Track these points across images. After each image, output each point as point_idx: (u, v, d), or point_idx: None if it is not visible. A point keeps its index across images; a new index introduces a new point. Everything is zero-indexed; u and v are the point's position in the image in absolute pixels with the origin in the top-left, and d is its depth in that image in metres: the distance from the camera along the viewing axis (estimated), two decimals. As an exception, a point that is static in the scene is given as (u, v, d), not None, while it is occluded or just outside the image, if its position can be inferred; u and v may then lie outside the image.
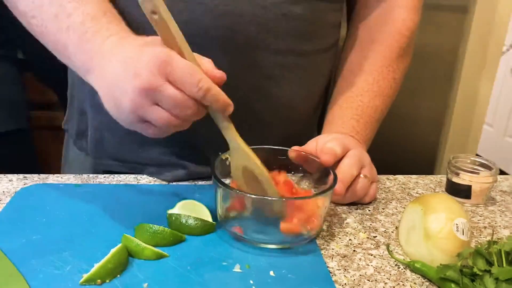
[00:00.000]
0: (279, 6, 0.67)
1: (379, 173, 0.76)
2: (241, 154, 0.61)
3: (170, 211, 0.62)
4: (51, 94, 1.59)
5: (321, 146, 0.68)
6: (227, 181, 0.65)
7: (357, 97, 0.77)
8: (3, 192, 0.67)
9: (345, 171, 0.65)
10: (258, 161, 0.61)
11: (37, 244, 0.55)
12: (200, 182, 0.74)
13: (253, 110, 0.72)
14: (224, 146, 0.62)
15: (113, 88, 0.54)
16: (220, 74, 0.55)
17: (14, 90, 1.03)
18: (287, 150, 0.68)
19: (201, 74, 0.52)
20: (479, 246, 0.53)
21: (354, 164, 0.67)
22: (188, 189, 0.71)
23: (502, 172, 2.66)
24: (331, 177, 0.61)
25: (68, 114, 0.83)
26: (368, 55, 0.80)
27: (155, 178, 0.74)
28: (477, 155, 0.80)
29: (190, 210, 0.62)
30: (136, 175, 0.75)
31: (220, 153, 0.63)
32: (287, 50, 0.72)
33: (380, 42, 0.80)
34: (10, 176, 0.71)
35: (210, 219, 0.62)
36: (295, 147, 0.68)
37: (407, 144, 1.48)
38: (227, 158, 0.64)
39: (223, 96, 0.55)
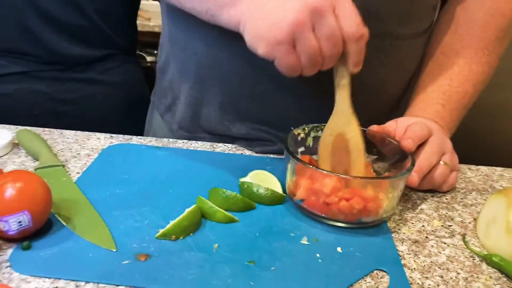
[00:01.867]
0: None
1: (461, 162, 0.72)
2: (344, 118, 0.60)
3: (242, 179, 0.63)
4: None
5: (402, 129, 0.65)
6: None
7: (445, 81, 0.73)
8: (92, 148, 0.72)
9: (423, 159, 0.63)
10: (359, 132, 0.60)
11: (119, 197, 0.59)
12: (272, 155, 0.74)
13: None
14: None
15: (275, 6, 0.55)
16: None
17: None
18: (364, 130, 0.66)
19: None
20: None
21: (434, 152, 0.64)
22: (261, 161, 0.72)
23: None
24: (409, 162, 0.59)
25: (156, 87, 0.87)
26: (463, 36, 0.75)
27: (230, 148, 0.76)
28: None
29: (262, 180, 0.64)
30: (213, 143, 0.77)
31: (292, 128, 0.64)
32: (385, 33, 0.69)
33: (476, 22, 0.74)
34: (98, 134, 0.77)
35: (280, 190, 0.62)
36: (374, 126, 0.66)
37: (495, 136, 1.39)
38: (299, 134, 0.64)
39: (363, 52, 0.56)
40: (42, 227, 0.51)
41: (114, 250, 0.50)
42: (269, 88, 0.70)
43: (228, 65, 0.71)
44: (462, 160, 0.76)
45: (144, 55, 1.90)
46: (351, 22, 0.54)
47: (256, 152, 0.75)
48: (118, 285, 0.46)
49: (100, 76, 1.01)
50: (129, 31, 1.09)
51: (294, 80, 0.70)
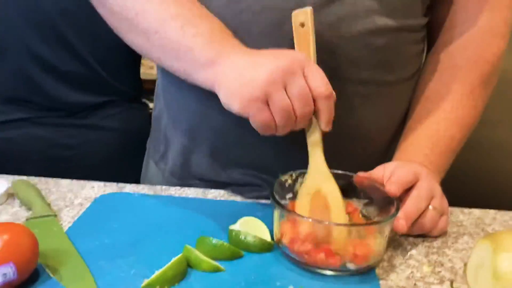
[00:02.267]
0: (363, 37, 0.68)
1: (455, 205, 0.72)
2: (320, 175, 0.62)
3: (231, 227, 0.64)
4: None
5: (388, 174, 0.66)
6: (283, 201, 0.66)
7: (433, 125, 0.74)
8: (85, 197, 0.73)
9: (410, 204, 0.63)
10: (337, 187, 0.61)
11: (108, 247, 0.60)
12: (263, 201, 0.75)
13: (328, 139, 0.72)
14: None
15: (248, 67, 0.58)
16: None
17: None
18: (352, 175, 0.67)
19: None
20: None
21: (422, 196, 0.64)
22: (252, 207, 0.73)
23: None
24: (394, 208, 0.59)
25: (151, 134, 0.89)
26: (448, 81, 0.76)
27: (222, 194, 0.77)
28: None
29: (251, 227, 0.64)
30: (204, 189, 0.78)
31: (280, 174, 0.65)
32: (369, 80, 0.71)
33: (461, 68, 0.76)
34: (93, 183, 0.78)
35: (269, 238, 0.63)
36: (361, 173, 0.67)
37: (490, 177, 1.38)
38: (286, 180, 0.65)
39: (332, 111, 0.59)
40: (29, 278, 0.52)
41: (98, 302, 0.50)
42: (255, 139, 0.72)
43: (217, 118, 0.73)
44: (456, 203, 0.76)
45: (148, 102, 1.94)
46: (319, 82, 0.57)
47: (248, 198, 0.76)
48: (98, 339, 0.46)
49: (101, 122, 1.03)
50: (131, 78, 1.12)
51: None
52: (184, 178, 0.80)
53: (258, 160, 0.75)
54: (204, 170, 0.78)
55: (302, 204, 0.63)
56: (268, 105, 0.57)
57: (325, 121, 0.60)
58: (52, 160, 0.99)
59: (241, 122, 0.72)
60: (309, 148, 0.62)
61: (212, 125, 0.74)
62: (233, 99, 0.59)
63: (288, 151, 0.73)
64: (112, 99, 1.05)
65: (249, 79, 0.57)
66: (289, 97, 0.57)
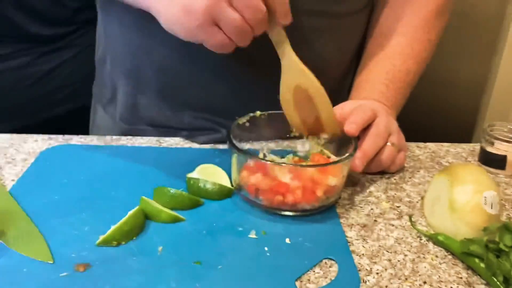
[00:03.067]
0: None
1: (410, 139, 0.73)
2: (294, 71, 0.60)
3: (189, 175, 0.62)
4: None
5: (346, 113, 0.65)
6: (246, 145, 0.64)
7: (388, 60, 0.73)
8: (29, 152, 0.68)
9: (368, 143, 0.62)
10: (314, 77, 0.60)
11: (58, 204, 0.56)
12: (222, 146, 0.73)
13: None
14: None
15: None
16: None
17: None
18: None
19: None
20: (509, 220, 0.50)
21: (380, 134, 0.64)
22: (209, 153, 0.70)
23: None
24: (352, 147, 0.59)
25: (96, 78, 0.84)
26: (401, 15, 0.75)
27: (177, 141, 0.74)
28: (516, 122, 0.75)
29: (209, 174, 0.62)
30: (159, 137, 0.75)
31: (237, 118, 0.62)
32: (321, 11, 0.68)
33: (414, 1, 0.74)
34: (36, 136, 0.73)
35: (228, 184, 0.61)
36: None
37: (444, 110, 1.42)
38: (244, 123, 0.63)
39: (288, 4, 0.54)
40: (-28, 244, 0.48)
41: (51, 263, 0.47)
42: (206, 75, 0.69)
43: (161, 52, 0.68)
44: (412, 138, 0.77)
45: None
46: None
47: (201, 143, 0.73)
48: (54, 301, 0.43)
49: (75, 42, 1.05)
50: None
51: (238, 68, 0.68)
52: (133, 123, 0.76)
53: (211, 101, 0.72)
54: (153, 114, 0.75)
55: (285, 101, 0.62)
56: (217, 25, 0.53)
57: (283, 14, 0.55)
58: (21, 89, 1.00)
59: (188, 57, 0.68)
60: (277, 49, 0.59)
61: (157, 62, 0.70)
62: (176, 27, 0.54)
63: (243, 90, 0.70)
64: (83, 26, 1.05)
65: (189, 8, 0.52)
66: (237, 9, 0.52)
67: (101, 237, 0.50)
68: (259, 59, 0.63)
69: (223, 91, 0.70)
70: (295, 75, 0.60)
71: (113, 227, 0.51)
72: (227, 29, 0.53)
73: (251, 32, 0.54)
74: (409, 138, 0.75)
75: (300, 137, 0.66)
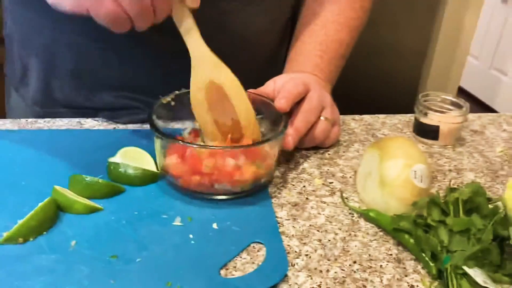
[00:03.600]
0: None
1: (350, 112, 0.71)
2: (207, 64, 0.53)
3: (110, 159, 0.57)
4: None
5: (279, 88, 0.62)
6: (175, 125, 0.60)
7: (321, 30, 0.70)
8: None
9: (300, 119, 0.60)
10: (229, 70, 0.53)
11: (-43, 199, 0.51)
12: (147, 127, 0.68)
13: (213, 46, 0.66)
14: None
15: None
16: None
17: None
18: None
19: None
20: (439, 193, 0.49)
21: (312, 109, 0.61)
22: (135, 135, 0.66)
23: (486, 106, 2.63)
24: (282, 123, 0.56)
25: (6, 57, 0.76)
26: None
27: (100, 123, 0.68)
28: (459, 88, 0.74)
29: (132, 158, 0.57)
30: (80, 118, 0.69)
31: (160, 96, 0.58)
32: None
33: None
34: None
35: (154, 167, 0.57)
36: (251, 90, 0.62)
37: (385, 79, 1.42)
38: (168, 102, 0.58)
39: None
40: None
41: None
42: (123, 52, 0.63)
43: (69, 30, 0.63)
44: (352, 110, 0.75)
45: None
46: None
47: (124, 123, 0.68)
48: None
49: None
50: None
51: (158, 41, 0.63)
52: (48, 105, 0.70)
53: (130, 79, 0.67)
54: (68, 95, 0.69)
55: (197, 103, 0.56)
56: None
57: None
58: None
59: (97, 34, 0.62)
60: (185, 37, 0.53)
61: (67, 37, 0.64)
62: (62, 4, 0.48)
63: (162, 66, 0.65)
64: None
65: None
66: None
67: (5, 234, 0.45)
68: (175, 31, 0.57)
69: (139, 69, 0.66)
70: (207, 68, 0.53)
71: (19, 222, 0.46)
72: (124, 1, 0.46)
73: (152, 12, 0.48)
74: (346, 111, 0.74)
75: None
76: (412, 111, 0.72)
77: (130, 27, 0.50)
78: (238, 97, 0.55)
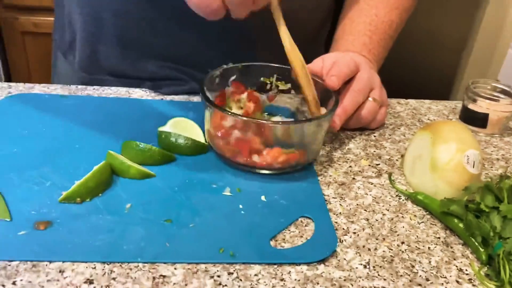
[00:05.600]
0: None
1: (391, 96, 0.70)
2: (295, 53, 0.57)
3: (161, 129, 0.58)
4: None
5: (328, 66, 0.61)
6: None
7: (371, 10, 0.69)
8: (-15, 101, 0.63)
9: (349, 99, 0.59)
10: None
11: (17, 157, 0.52)
12: (196, 99, 0.69)
13: (259, 21, 0.65)
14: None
15: None
16: None
17: None
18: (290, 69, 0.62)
19: None
20: (489, 179, 0.49)
21: (361, 89, 0.61)
22: (183, 106, 0.67)
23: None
24: (332, 102, 0.56)
25: (55, 23, 0.77)
26: None
27: (148, 93, 0.69)
28: (497, 80, 0.73)
29: (182, 128, 0.58)
30: (128, 88, 0.70)
31: (210, 70, 0.58)
32: None
33: None
34: (-7, 84, 0.67)
35: (202, 139, 0.58)
36: None
37: (424, 66, 1.40)
38: (216, 76, 0.59)
39: None
40: None
41: (8, 220, 0.44)
42: (172, 23, 0.64)
43: None
44: (392, 94, 0.74)
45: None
46: None
47: (167, 94, 0.69)
48: (10, 261, 0.40)
49: None
50: None
51: (198, 16, 0.63)
52: (93, 72, 0.71)
53: (176, 50, 0.68)
54: (114, 63, 0.70)
55: (304, 76, 0.58)
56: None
57: None
58: None
59: (150, 2, 0.63)
60: (279, 27, 0.56)
61: (117, 5, 0.65)
62: None
63: (209, 40, 0.65)
64: None
65: None
66: None
67: (64, 193, 0.47)
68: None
69: (188, 40, 0.66)
70: (297, 56, 0.57)
71: (77, 183, 0.48)
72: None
73: (252, 4, 0.49)
74: (390, 94, 0.73)
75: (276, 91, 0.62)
76: (449, 98, 0.71)
77: (223, 16, 0.51)
78: (306, 77, 0.57)
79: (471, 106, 0.68)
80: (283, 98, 0.63)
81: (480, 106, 0.67)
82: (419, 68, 1.38)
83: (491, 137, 0.68)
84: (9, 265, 0.40)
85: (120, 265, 0.41)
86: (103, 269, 0.40)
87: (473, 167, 0.50)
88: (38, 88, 0.67)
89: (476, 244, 0.46)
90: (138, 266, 0.41)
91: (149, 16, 0.65)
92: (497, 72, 1.58)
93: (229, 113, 0.52)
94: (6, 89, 0.66)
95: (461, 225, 0.47)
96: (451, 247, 0.47)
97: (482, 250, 0.45)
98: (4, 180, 0.49)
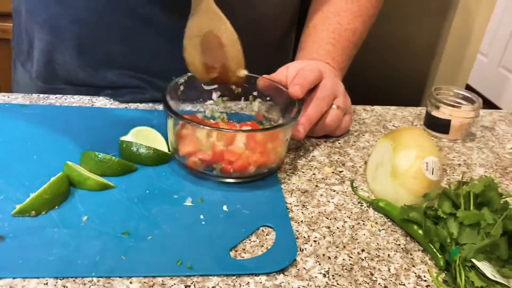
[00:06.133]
0: None
1: (360, 102, 0.71)
2: (209, 16, 0.55)
3: (122, 138, 0.57)
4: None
5: (292, 74, 0.62)
6: (186, 107, 0.60)
7: (334, 18, 0.70)
8: None
9: (313, 107, 0.60)
10: (229, 24, 0.55)
11: (-30, 169, 0.51)
12: (160, 107, 0.68)
13: None
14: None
15: None
16: None
17: None
18: (256, 77, 0.62)
19: None
20: (448, 186, 0.49)
21: (325, 97, 0.61)
22: (146, 115, 0.66)
23: (492, 104, 2.62)
24: (295, 110, 0.56)
25: (13, 30, 0.76)
26: None
27: (112, 101, 0.68)
28: (467, 86, 0.74)
29: (145, 137, 0.58)
30: (91, 97, 0.69)
31: (174, 77, 0.57)
32: None
33: None
34: (-50, 93, 0.65)
35: (165, 148, 0.57)
36: (265, 76, 0.62)
37: (394, 73, 1.42)
38: (181, 84, 0.58)
39: None
40: None
41: (-43, 236, 0.43)
42: (133, 28, 0.63)
43: (77, 2, 0.62)
44: (361, 101, 0.75)
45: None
46: None
47: (128, 102, 0.68)
48: (-43, 279, 0.39)
49: None
50: None
51: (163, 20, 0.63)
52: (51, 81, 0.70)
53: (133, 58, 0.67)
54: (71, 72, 0.69)
55: (192, 45, 0.57)
56: None
57: None
58: None
59: (107, 8, 0.62)
60: None
61: (74, 11, 0.64)
62: None
63: (165, 48, 0.65)
64: None
65: None
66: None
67: (18, 207, 0.46)
68: (186, 13, 0.57)
69: (143, 48, 0.65)
70: (211, 20, 0.55)
71: (32, 195, 0.46)
72: None
73: None
74: (359, 101, 0.74)
75: (238, 97, 0.62)
76: (418, 106, 0.72)
77: None
78: (234, 47, 0.56)
79: (434, 112, 0.69)
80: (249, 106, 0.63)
81: (443, 112, 0.68)
82: (390, 74, 1.40)
83: (454, 143, 0.69)
84: (-45, 283, 0.39)
85: (74, 280, 0.40)
86: (55, 285, 0.39)
87: (432, 173, 0.51)
88: (-2, 98, 0.66)
89: (435, 250, 0.46)
90: (92, 281, 0.40)
91: (106, 22, 0.64)
92: (466, 79, 1.62)
93: (190, 122, 0.51)
94: (-37, 99, 0.64)
95: (420, 231, 0.48)
96: (411, 254, 0.48)
97: (440, 256, 0.46)
98: (-45, 193, 0.47)
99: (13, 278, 0.39)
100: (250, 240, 0.47)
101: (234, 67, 0.58)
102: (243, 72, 0.58)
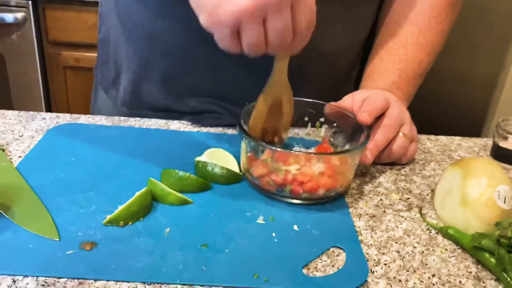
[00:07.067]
0: None
1: (420, 132, 0.72)
2: (281, 87, 0.60)
3: (197, 158, 0.61)
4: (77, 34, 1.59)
5: (358, 102, 0.64)
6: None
7: (401, 50, 0.72)
8: (36, 130, 0.68)
9: (380, 134, 0.61)
10: (291, 93, 0.62)
11: (65, 182, 0.56)
12: (230, 131, 0.72)
13: (295, 61, 0.69)
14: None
15: None
16: None
17: None
18: (323, 104, 0.65)
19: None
20: (521, 216, 0.49)
21: (392, 125, 0.63)
22: (218, 138, 0.70)
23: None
24: (363, 135, 0.58)
25: (98, 59, 0.83)
26: (415, 3, 0.73)
27: (185, 125, 0.73)
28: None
29: (218, 158, 0.61)
30: (167, 120, 0.74)
31: (247, 103, 0.61)
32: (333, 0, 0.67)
33: None
34: (43, 114, 0.72)
35: (237, 169, 0.60)
36: (332, 103, 0.65)
37: (455, 104, 1.40)
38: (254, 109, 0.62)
39: (308, 39, 0.53)
40: (-22, 218, 0.48)
41: (57, 240, 0.47)
42: (214, 60, 0.67)
43: (169, 35, 0.67)
44: (422, 131, 0.76)
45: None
46: (306, 19, 0.50)
47: (206, 126, 0.72)
48: (59, 278, 0.43)
49: None
50: None
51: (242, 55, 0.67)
52: (136, 107, 0.76)
53: (215, 87, 0.71)
54: (156, 99, 0.74)
55: (259, 117, 0.60)
56: (239, 32, 0.49)
57: (297, 49, 0.53)
58: None
59: (194, 42, 0.67)
60: (275, 62, 0.58)
61: (163, 45, 0.69)
62: (201, 10, 0.49)
63: (245, 77, 0.69)
64: None
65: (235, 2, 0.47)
66: (266, 29, 0.48)
67: (108, 217, 0.50)
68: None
69: (230, 76, 0.70)
70: (281, 89, 0.60)
71: (120, 207, 0.51)
72: (245, 40, 0.49)
73: (264, 51, 0.52)
74: (420, 131, 0.74)
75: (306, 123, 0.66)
76: (478, 136, 0.71)
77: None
78: (289, 116, 0.63)
79: (502, 143, 0.69)
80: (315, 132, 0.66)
81: (511, 143, 0.68)
82: (450, 105, 1.39)
83: (523, 175, 0.68)
84: (58, 281, 0.43)
85: (160, 286, 0.43)
86: (143, 289, 0.42)
87: (504, 202, 0.51)
88: (84, 119, 0.72)
89: (509, 279, 0.46)
90: (176, 287, 0.43)
91: (193, 55, 0.69)
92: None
93: (264, 145, 0.55)
94: (55, 119, 0.71)
95: (492, 260, 0.48)
96: (483, 282, 0.47)
97: (515, 285, 0.45)
98: (53, 203, 0.52)
99: (107, 281, 0.43)
100: (321, 259, 0.48)
101: (283, 132, 0.63)
102: (286, 136, 0.64)
